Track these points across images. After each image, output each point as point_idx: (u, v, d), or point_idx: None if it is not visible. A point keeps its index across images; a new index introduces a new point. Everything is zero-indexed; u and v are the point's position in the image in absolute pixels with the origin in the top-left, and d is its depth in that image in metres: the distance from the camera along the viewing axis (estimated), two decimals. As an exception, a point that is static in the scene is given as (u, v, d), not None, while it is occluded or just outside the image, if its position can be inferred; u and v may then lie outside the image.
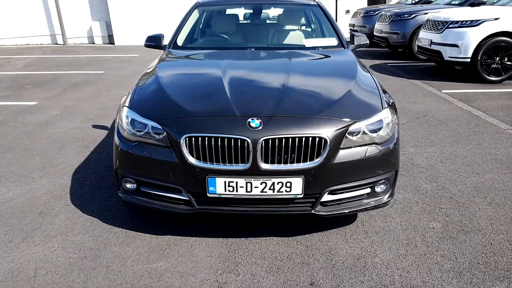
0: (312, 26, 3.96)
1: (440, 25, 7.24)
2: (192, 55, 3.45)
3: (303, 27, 4.04)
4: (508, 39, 6.63)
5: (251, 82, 2.72)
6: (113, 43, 13.82)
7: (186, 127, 2.23)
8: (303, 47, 3.54)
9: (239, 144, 2.15)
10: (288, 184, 2.20)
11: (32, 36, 13.96)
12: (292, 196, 2.24)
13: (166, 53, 3.47)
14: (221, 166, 2.19)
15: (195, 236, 2.55)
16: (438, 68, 8.26)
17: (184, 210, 2.35)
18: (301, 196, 2.23)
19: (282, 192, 2.22)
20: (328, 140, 2.18)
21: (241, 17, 4.32)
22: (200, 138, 2.19)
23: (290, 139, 2.16)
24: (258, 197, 2.24)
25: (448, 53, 7.01)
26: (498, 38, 6.63)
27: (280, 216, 2.72)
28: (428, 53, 7.67)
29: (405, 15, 9.44)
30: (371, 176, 2.33)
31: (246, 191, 2.22)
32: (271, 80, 2.71)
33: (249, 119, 2.20)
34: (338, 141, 2.22)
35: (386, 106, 2.49)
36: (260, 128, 2.17)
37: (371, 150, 2.29)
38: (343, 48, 3.54)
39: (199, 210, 2.33)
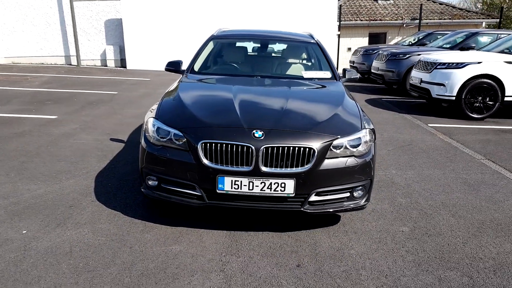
0: (312, 60, 4.58)
1: (430, 66, 7.93)
2: (207, 79, 4.06)
3: (303, 61, 4.67)
4: (489, 81, 7.30)
5: (256, 103, 3.30)
6: (125, 67, 14.59)
7: (203, 135, 2.78)
8: (301, 78, 4.14)
9: (245, 150, 2.70)
10: (283, 185, 2.72)
11: (47, 56, 14.76)
12: (286, 195, 2.76)
13: (185, 76, 4.06)
14: (229, 167, 2.72)
15: (204, 228, 3.04)
16: (427, 105, 8.91)
17: (196, 203, 2.86)
18: (293, 195, 2.76)
19: (278, 191, 2.74)
20: (316, 150, 2.73)
21: (249, 50, 4.96)
22: (213, 144, 2.73)
23: (286, 148, 2.70)
24: (258, 194, 2.76)
25: (435, 91, 7.67)
26: (480, 80, 7.30)
27: (274, 214, 3.22)
28: (418, 91, 8.33)
29: (400, 55, 10.19)
30: (350, 182, 2.86)
31: (249, 189, 2.74)
32: (272, 102, 3.29)
33: (254, 131, 2.76)
34: (324, 152, 2.76)
35: (365, 127, 3.05)
36: (262, 138, 2.72)
37: (350, 161, 2.84)
38: (335, 81, 4.14)
39: (209, 204, 2.84)
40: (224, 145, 2.72)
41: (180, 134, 2.85)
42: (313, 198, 2.82)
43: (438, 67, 7.74)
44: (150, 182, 2.99)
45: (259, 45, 4.87)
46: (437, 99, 7.72)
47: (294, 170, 2.72)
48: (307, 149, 2.73)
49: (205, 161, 2.74)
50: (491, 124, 7.13)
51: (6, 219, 3.08)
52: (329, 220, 3.22)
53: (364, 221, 3.26)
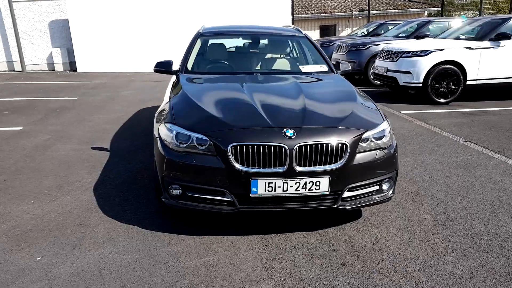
0: (305, 54, 4.54)
1: (395, 55, 8.21)
2: (208, 78, 3.86)
3: (297, 55, 4.61)
4: (452, 66, 7.69)
5: (274, 101, 3.19)
6: (75, 70, 13.75)
7: (232, 137, 2.64)
8: (300, 72, 4.09)
9: (277, 150, 2.60)
10: (318, 183, 2.66)
11: (-15, 63, 13.55)
12: (320, 193, 2.70)
13: (182, 77, 3.84)
14: (262, 170, 2.61)
15: (232, 234, 2.91)
16: (391, 93, 9.23)
17: (227, 210, 2.72)
18: (328, 193, 2.70)
19: (312, 190, 2.67)
20: (349, 145, 2.69)
21: (241, 46, 4.81)
22: (244, 146, 2.60)
23: (319, 145, 2.64)
24: (292, 195, 2.67)
25: (402, 79, 7.96)
26: (444, 66, 7.68)
27: (300, 214, 3.15)
28: (384, 80, 8.60)
29: (360, 46, 10.47)
30: (380, 175, 2.86)
31: (283, 190, 2.65)
32: (290, 99, 3.20)
33: (284, 130, 2.66)
34: (355, 146, 2.73)
35: (385, 119, 3.06)
36: (294, 136, 2.63)
37: (379, 154, 2.84)
38: (333, 74, 4.13)
39: (241, 209, 2.72)
40: (255, 147, 2.60)
41: (205, 138, 2.69)
42: (346, 194, 2.79)
43: (403, 55, 8.03)
44: (173, 192, 2.80)
45: (250, 41, 4.74)
46: (405, 87, 8.02)
47: (328, 167, 2.67)
48: (340, 144, 2.68)
49: (236, 165, 2.61)
50: (457, 108, 7.52)
51: (12, 247, 2.75)
52: (351, 215, 3.21)
53: (385, 212, 3.29)
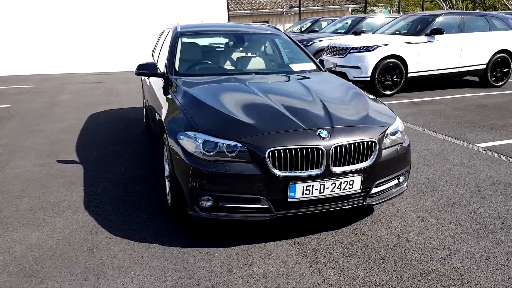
0: (289, 52, 4.53)
1: (343, 51, 8.58)
2: (208, 80, 3.67)
3: (283, 55, 4.58)
4: (395, 60, 8.25)
5: (291, 101, 3.12)
6: (-9, 74, 12.27)
7: (269, 142, 2.55)
8: (292, 71, 4.08)
9: (314, 152, 2.57)
10: (351, 182, 2.70)
11: None
12: (352, 192, 2.74)
13: (178, 80, 3.59)
14: (300, 173, 2.57)
15: (262, 242, 2.83)
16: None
17: (264, 217, 2.64)
18: (359, 191, 2.75)
19: (346, 189, 2.70)
20: (377, 143, 2.76)
21: (226, 46, 4.65)
22: (282, 151, 2.54)
23: (352, 144, 2.67)
24: (328, 196, 2.68)
25: (352, 74, 8.36)
26: (388, 60, 8.20)
27: (318, 215, 3.16)
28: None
29: (304, 42, 10.75)
30: (400, 169, 2.98)
31: (319, 193, 2.64)
32: (306, 100, 3.16)
33: (318, 131, 2.65)
34: (381, 143, 2.81)
35: (397, 115, 3.19)
36: (328, 137, 2.63)
37: (400, 149, 2.95)
38: (322, 71, 4.19)
39: (278, 215, 2.65)
40: (293, 150, 2.55)
41: (237, 145, 2.57)
42: (373, 190, 2.85)
43: (351, 51, 8.43)
44: (203, 203, 2.64)
45: (233, 41, 4.60)
46: (354, 81, 8.42)
47: (361, 165, 2.71)
48: (369, 142, 2.74)
49: (274, 170, 2.54)
50: (402, 99, 8.09)
51: (22, 285, 2.38)
52: (363, 210, 3.29)
53: (393, 203, 3.43)
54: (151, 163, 4.48)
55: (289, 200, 2.60)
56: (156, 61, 4.84)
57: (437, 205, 3.40)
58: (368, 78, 8.21)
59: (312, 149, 2.58)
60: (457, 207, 3.35)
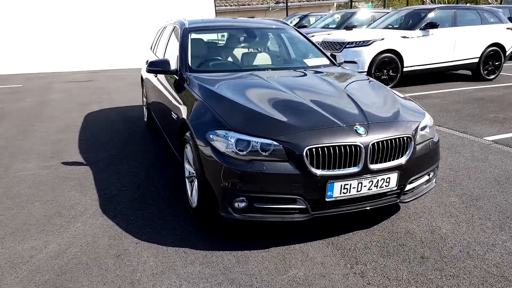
0: (300, 47, 4.44)
1: (338, 46, 8.55)
2: (227, 77, 3.54)
3: (295, 49, 4.49)
4: (391, 55, 8.27)
5: (320, 97, 3.03)
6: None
7: (306, 140, 2.47)
8: (308, 66, 4.00)
9: (352, 149, 2.50)
10: (388, 180, 2.64)
11: None
12: (388, 190, 2.68)
13: (195, 77, 3.45)
14: (339, 171, 2.50)
15: (296, 243, 2.75)
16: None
17: (300, 218, 2.56)
18: (395, 188, 2.70)
19: (383, 187, 2.64)
20: (412, 138, 2.70)
21: (238, 41, 4.52)
22: (320, 148, 2.46)
23: (389, 140, 2.61)
24: (364, 195, 2.61)
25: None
26: (384, 55, 8.21)
27: (351, 213, 3.10)
28: (328, 69, 8.91)
29: (297, 37, 10.67)
30: (432, 164, 2.94)
31: (357, 191, 2.57)
32: (335, 96, 3.08)
33: (355, 127, 2.57)
34: (415, 139, 2.76)
35: (425, 111, 3.14)
36: (366, 134, 2.56)
37: (432, 144, 2.91)
38: (335, 66, 4.12)
39: (314, 215, 2.57)
40: (331, 148, 2.47)
41: (272, 143, 2.47)
42: (407, 187, 2.80)
43: (347, 46, 8.41)
44: (237, 204, 2.54)
45: (244, 36, 4.47)
46: (351, 76, 8.41)
47: (398, 162, 2.66)
48: (405, 138, 2.68)
49: (313, 169, 2.45)
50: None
51: (57, 297, 2.24)
52: (389, 208, 3.24)
53: (418, 200, 3.39)
54: (159, 163, 4.34)
55: (326, 199, 2.53)
56: (160, 57, 4.68)
57: (462, 200, 3.38)
58: (365, 73, 8.19)
59: (350, 146, 2.51)
60: (481, 202, 3.34)
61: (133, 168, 4.20)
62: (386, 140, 2.60)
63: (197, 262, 2.55)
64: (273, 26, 4.58)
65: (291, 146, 2.46)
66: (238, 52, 4.24)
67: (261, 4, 18.25)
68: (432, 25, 8.49)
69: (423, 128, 2.86)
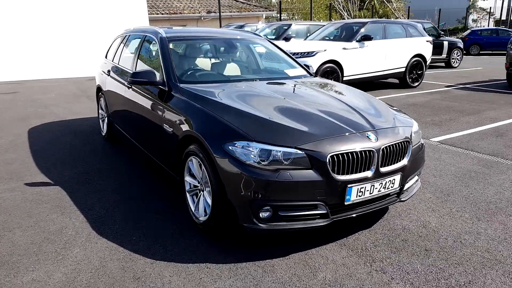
0: (277, 58, 4.56)
1: (284, 55, 8.87)
2: (222, 87, 3.53)
3: (271, 60, 4.58)
4: (333, 65, 8.80)
5: (323, 106, 3.15)
6: None
7: (328, 147, 2.58)
8: (289, 76, 4.13)
9: (367, 154, 2.68)
10: (393, 181, 2.86)
11: None
12: (393, 190, 2.90)
13: (189, 88, 3.38)
14: (356, 176, 2.65)
15: (311, 248, 2.84)
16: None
17: (322, 222, 2.66)
18: (398, 189, 2.92)
19: (389, 188, 2.85)
20: (410, 141, 2.96)
21: (217, 51, 4.48)
22: (340, 155, 2.59)
23: (395, 144, 2.83)
24: (374, 197, 2.80)
25: (295, 78, 8.68)
26: (327, 65, 8.71)
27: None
28: (274, 78, 9.20)
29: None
30: (421, 165, 3.23)
31: (369, 193, 2.75)
32: (334, 104, 3.24)
33: (367, 134, 2.75)
34: (411, 142, 3.02)
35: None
36: (376, 140, 2.75)
37: (421, 146, 3.20)
38: (312, 76, 4.32)
39: (333, 219, 2.69)
40: (350, 154, 2.62)
41: (297, 151, 2.55)
42: (405, 187, 3.05)
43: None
44: (263, 214, 2.56)
45: (224, 47, 4.46)
46: (297, 85, 8.77)
47: (400, 164, 2.89)
48: (405, 142, 2.93)
49: (334, 175, 2.58)
50: (342, 101, 8.65)
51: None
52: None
53: (401, 197, 3.69)
54: (137, 178, 4.15)
55: (345, 203, 2.66)
56: (129, 68, 4.48)
57: (436, 196, 3.75)
58: (311, 82, 8.60)
59: (365, 151, 2.67)
60: (453, 197, 3.74)
61: (109, 185, 3.96)
62: (393, 145, 2.82)
63: (225, 276, 2.51)
64: (249, 38, 4.66)
65: (314, 154, 2.55)
66: (221, 62, 4.24)
67: (193, 13, 18.15)
68: (367, 37, 9.21)
69: (415, 133, 3.15)
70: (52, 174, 4.25)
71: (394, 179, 2.86)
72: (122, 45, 5.13)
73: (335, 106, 3.19)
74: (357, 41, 9.22)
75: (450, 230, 3.11)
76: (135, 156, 4.86)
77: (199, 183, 3.04)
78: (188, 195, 3.18)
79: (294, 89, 3.74)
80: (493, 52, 23.13)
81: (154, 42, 4.13)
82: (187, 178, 3.15)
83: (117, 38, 5.53)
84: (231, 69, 4.12)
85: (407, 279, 2.50)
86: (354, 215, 2.78)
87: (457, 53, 15.83)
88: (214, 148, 2.70)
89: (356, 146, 2.66)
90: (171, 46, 3.97)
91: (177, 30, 4.42)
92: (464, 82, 11.39)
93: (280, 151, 2.54)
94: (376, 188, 2.76)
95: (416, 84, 10.55)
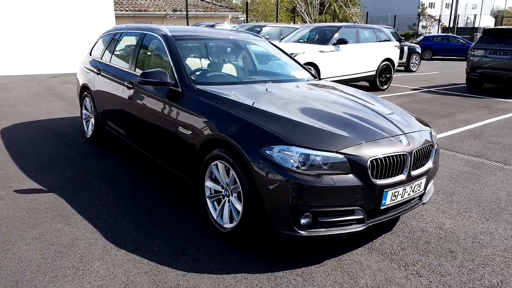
0: (281, 60, 4.49)
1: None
2: (237, 89, 3.44)
3: (277, 61, 4.50)
4: (310, 67, 8.88)
5: (349, 109, 3.11)
6: None
7: (367, 152, 2.56)
8: (297, 79, 4.09)
9: (401, 158, 2.69)
10: (420, 184, 2.90)
11: None
12: (419, 193, 2.94)
13: (207, 90, 3.23)
14: (392, 180, 2.66)
15: (342, 254, 2.81)
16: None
17: (359, 228, 2.63)
18: (422, 192, 2.97)
19: (417, 191, 2.89)
20: (433, 145, 3.02)
21: (225, 52, 4.33)
22: (379, 159, 2.58)
23: (423, 148, 2.87)
24: (405, 200, 2.82)
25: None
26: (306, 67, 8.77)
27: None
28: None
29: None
30: (438, 168, 3.30)
31: (401, 197, 2.77)
32: (355, 107, 3.24)
33: (399, 138, 2.76)
34: (434, 145, 3.08)
35: None
36: (408, 144, 2.77)
37: (438, 149, 3.27)
38: (316, 78, 4.31)
39: (369, 224, 2.67)
40: (387, 158, 2.62)
41: (338, 156, 2.50)
42: (426, 189, 3.10)
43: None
44: (303, 221, 2.49)
45: (231, 47, 4.33)
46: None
47: (427, 167, 2.93)
48: (430, 145, 2.98)
49: (374, 179, 2.56)
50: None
51: None
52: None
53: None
54: (138, 182, 3.92)
55: (381, 208, 2.66)
56: (125, 68, 4.23)
57: (441, 198, 3.86)
58: (290, 84, 8.63)
59: (400, 155, 2.68)
60: (456, 198, 3.86)
61: (109, 190, 3.71)
62: (422, 148, 2.85)
63: (265, 286, 2.41)
64: (252, 39, 4.58)
65: (355, 158, 2.52)
66: (229, 64, 4.12)
67: (158, 11, 17.62)
68: (342, 41, 9.39)
69: (433, 136, 3.21)
70: (42, 179, 3.92)
71: (421, 182, 2.90)
72: (113, 42, 4.84)
73: (361, 110, 3.17)
74: (333, 44, 9.38)
75: (465, 231, 3.20)
76: (130, 159, 4.60)
77: (223, 188, 2.92)
78: (208, 201, 3.04)
79: (313, 91, 3.70)
80: (444, 57, 24.51)
81: (157, 40, 3.93)
82: (208, 183, 3.01)
83: (104, 35, 5.22)
84: (241, 71, 4.01)
85: (444, 282, 2.53)
86: (385, 220, 2.78)
87: (415, 58, 16.59)
88: (249, 152, 2.59)
89: (392, 150, 2.66)
90: (182, 45, 3.80)
91: (182, 29, 4.24)
92: (428, 86, 11.94)
93: (320, 156, 2.49)
94: (406, 192, 2.78)
95: (385, 87, 10.91)
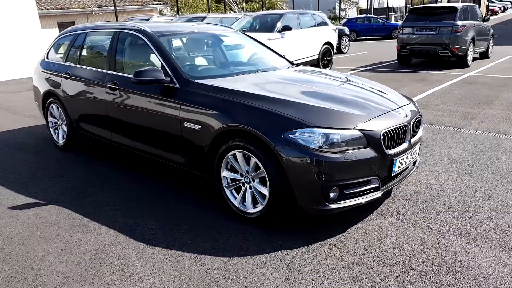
0: (259, 50, 4.60)
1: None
2: (234, 80, 3.52)
3: (257, 51, 4.59)
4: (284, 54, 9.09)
5: (345, 90, 3.37)
6: None
7: (379, 126, 2.83)
8: (280, 67, 4.25)
9: (403, 129, 3.01)
10: (416, 151, 3.27)
11: None
12: (414, 160, 3.30)
13: (208, 84, 3.28)
14: (399, 149, 2.97)
15: (360, 220, 3.08)
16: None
17: (377, 194, 2.90)
18: (417, 157, 3.34)
19: (415, 157, 3.27)
20: (421, 114, 3.40)
21: (205, 46, 4.31)
22: (389, 132, 2.87)
23: (416, 118, 3.23)
24: (407, 165, 3.16)
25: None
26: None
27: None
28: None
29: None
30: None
31: (406, 164, 3.11)
32: (351, 87, 3.52)
33: (398, 111, 3.08)
34: (421, 115, 3.46)
35: None
36: (405, 116, 3.10)
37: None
38: (294, 65, 4.52)
39: (383, 190, 2.96)
40: (394, 130, 2.92)
41: (357, 132, 2.75)
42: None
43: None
44: (332, 194, 2.72)
45: (212, 40, 4.33)
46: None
47: (419, 134, 3.30)
48: (420, 115, 3.35)
49: (386, 150, 2.85)
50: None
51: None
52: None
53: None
54: (134, 182, 3.87)
55: (392, 175, 2.96)
56: (97, 69, 4.11)
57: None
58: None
59: (402, 126, 3.00)
60: (431, 161, 4.34)
61: (111, 194, 3.64)
62: (415, 118, 3.21)
63: (308, 258, 2.60)
64: (228, 31, 4.66)
65: (370, 133, 2.78)
66: (215, 57, 4.16)
67: (82, 7, 16.58)
68: (287, 28, 9.71)
69: (417, 107, 3.60)
70: (34, 193, 3.71)
71: (417, 149, 3.26)
72: (77, 44, 4.62)
73: (357, 90, 3.44)
74: (278, 31, 9.66)
75: (451, 188, 3.65)
76: (118, 161, 4.48)
77: (242, 176, 3.03)
78: (227, 190, 3.14)
79: (306, 76, 3.92)
80: (367, 38, 26.10)
81: (135, 38, 3.87)
82: (225, 173, 3.11)
83: (62, 37, 4.95)
84: (229, 63, 4.09)
85: (453, 232, 2.91)
86: (395, 185, 3.10)
87: (345, 40, 17.54)
88: (273, 139, 2.73)
89: (396, 122, 2.97)
90: (165, 42, 3.78)
91: (158, 26, 4.18)
92: (364, 65, 12.76)
93: (339, 134, 2.71)
94: (408, 158, 3.12)
95: (328, 69, 11.48)
